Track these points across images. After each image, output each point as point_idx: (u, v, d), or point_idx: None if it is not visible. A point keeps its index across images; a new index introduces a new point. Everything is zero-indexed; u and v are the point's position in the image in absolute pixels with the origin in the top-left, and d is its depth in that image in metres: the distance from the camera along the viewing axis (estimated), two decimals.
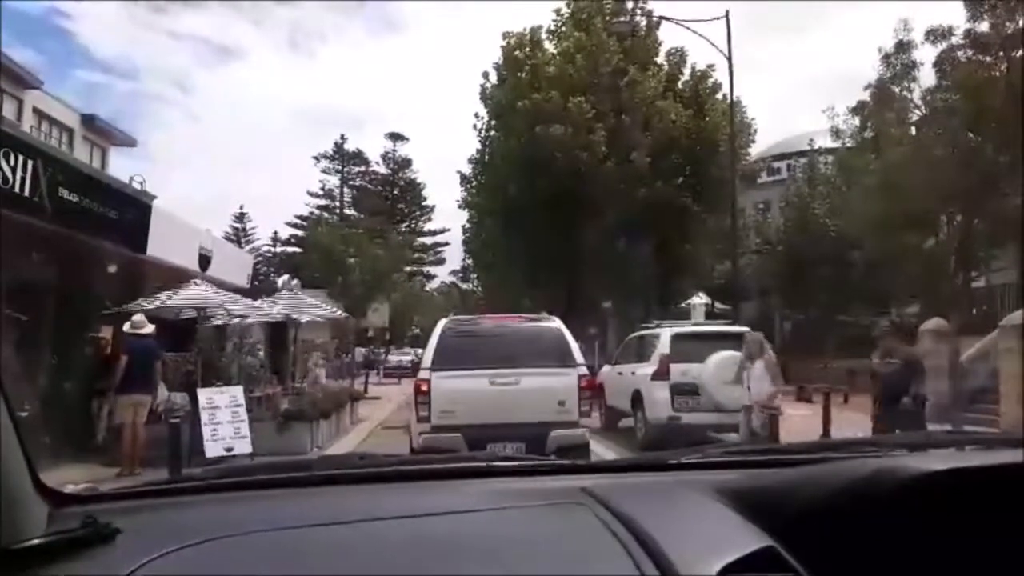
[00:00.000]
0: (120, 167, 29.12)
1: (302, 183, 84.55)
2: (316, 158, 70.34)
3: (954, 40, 14.41)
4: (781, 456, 1.72)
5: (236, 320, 14.56)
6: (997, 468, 1.14)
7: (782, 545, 1.02)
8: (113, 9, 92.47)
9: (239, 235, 64.18)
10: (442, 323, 10.22)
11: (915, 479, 1.05)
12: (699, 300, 27.76)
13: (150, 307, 11.53)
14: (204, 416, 10.35)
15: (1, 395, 1.08)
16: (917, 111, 15.31)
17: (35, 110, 25.87)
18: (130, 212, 11.96)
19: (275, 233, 68.50)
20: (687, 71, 28.23)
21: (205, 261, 15.49)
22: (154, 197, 14.24)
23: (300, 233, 62.69)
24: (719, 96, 27.06)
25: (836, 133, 17.46)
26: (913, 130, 15.39)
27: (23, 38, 75.29)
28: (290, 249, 64.31)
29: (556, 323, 10.23)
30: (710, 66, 27.36)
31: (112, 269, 11.88)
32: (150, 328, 10.79)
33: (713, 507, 1.20)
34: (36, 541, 1.06)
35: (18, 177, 8.49)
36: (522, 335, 9.83)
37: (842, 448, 1.91)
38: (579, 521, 1.20)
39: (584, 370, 9.56)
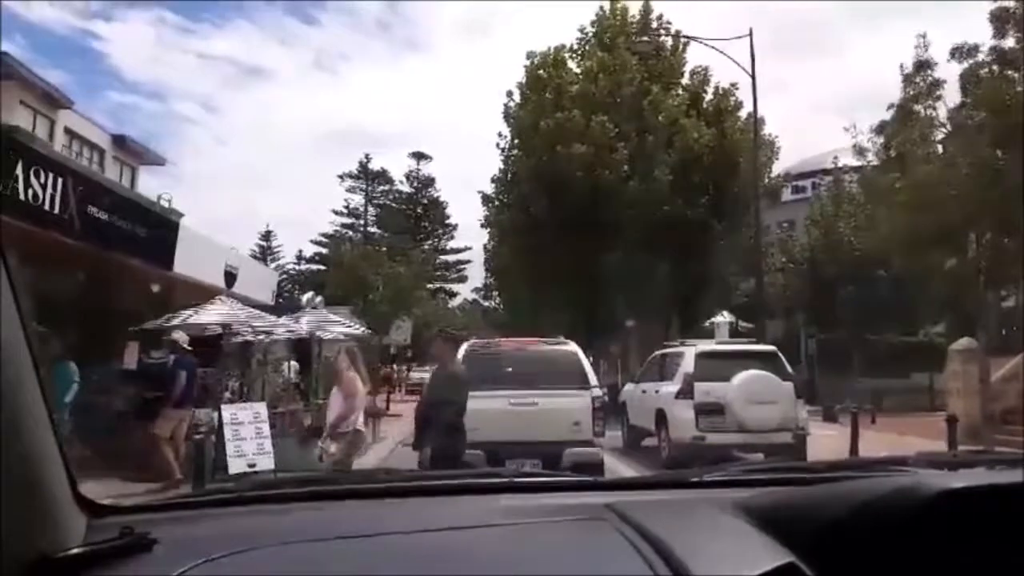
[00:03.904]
0: (149, 186, 29.51)
1: (327, 202, 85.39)
2: (341, 177, 70.95)
3: (980, 57, 14.29)
4: (803, 474, 1.72)
5: (260, 337, 14.66)
6: (1018, 487, 1.13)
7: (804, 562, 1.02)
8: (143, 31, 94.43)
9: (265, 253, 64.92)
10: (464, 346, 10.56)
11: (936, 497, 1.05)
12: (723, 319, 27.56)
13: (176, 324, 11.64)
14: (228, 432, 10.37)
15: (45, 408, 1.11)
16: (943, 129, 15.16)
17: (66, 130, 26.29)
18: (158, 230, 12.13)
19: (300, 251, 69.18)
20: (710, 90, 28.19)
21: (231, 278, 15.67)
22: (181, 215, 14.44)
23: (324, 251, 63.22)
24: (742, 114, 26.99)
25: (859, 152, 17.34)
26: (939, 148, 15.25)
27: (55, 59, 77.24)
28: (314, 267, 64.80)
29: (572, 347, 10.69)
30: (733, 84, 27.33)
31: (140, 286, 12.03)
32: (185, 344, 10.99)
33: (735, 524, 1.21)
34: (76, 550, 1.09)
35: (48, 195, 8.63)
36: (540, 358, 10.33)
37: (864, 466, 1.92)
38: (601, 537, 1.21)
39: (598, 391, 9.93)
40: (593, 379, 10.18)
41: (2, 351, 1.01)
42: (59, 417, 1.20)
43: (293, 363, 18.14)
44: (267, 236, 67.77)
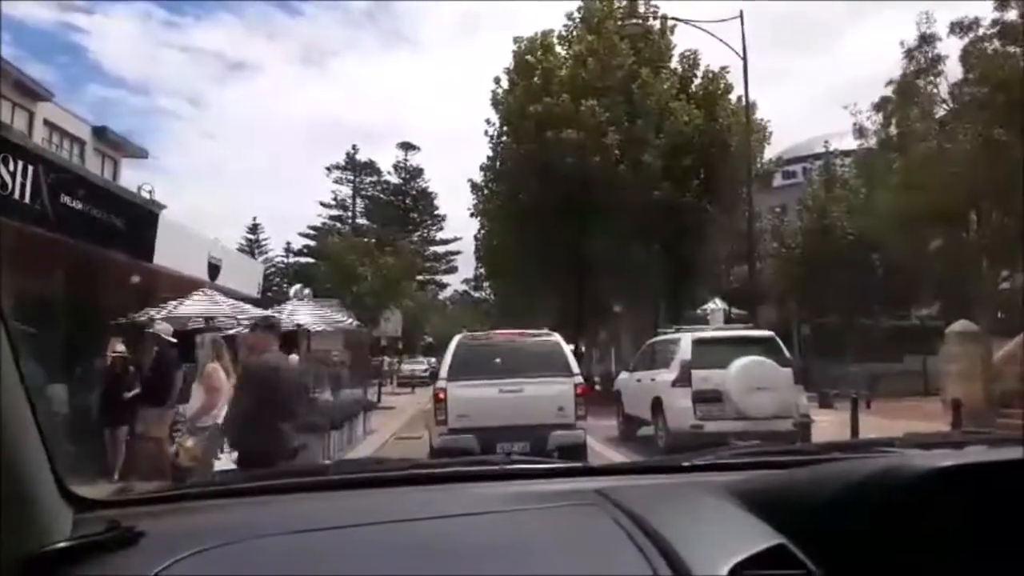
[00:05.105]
0: (134, 180, 29.00)
1: (315, 194, 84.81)
2: (328, 169, 70.53)
3: (981, 31, 14.02)
4: (793, 457, 1.74)
5: (246, 330, 14.31)
6: (1002, 464, 1.15)
7: (793, 543, 1.04)
8: (128, 25, 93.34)
9: (252, 246, 64.26)
10: (456, 339, 11.45)
11: (922, 476, 1.07)
12: (716, 305, 27.37)
13: (158, 317, 11.29)
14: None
15: (28, 404, 1.09)
16: (944, 106, 14.90)
17: (46, 122, 25.83)
18: (136, 221, 11.74)
19: (288, 244, 68.66)
20: (700, 73, 27.90)
21: (214, 270, 15.31)
22: (163, 207, 14.08)
23: (313, 244, 62.74)
24: (732, 97, 26.73)
25: (859, 131, 17.06)
26: (940, 125, 14.99)
27: (38, 53, 76.24)
28: (303, 260, 64.33)
29: (555, 337, 11.50)
30: (724, 68, 27.06)
31: (117, 279, 11.65)
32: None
33: (725, 507, 1.22)
34: (63, 545, 1.09)
35: (18, 183, 8.24)
36: (526, 349, 11.13)
37: (852, 448, 1.97)
38: (593, 522, 1.23)
39: (580, 379, 10.75)
40: (575, 367, 10.87)
41: None
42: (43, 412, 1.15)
43: (293, 356, 17.81)
44: (255, 229, 67.19)
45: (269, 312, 14.98)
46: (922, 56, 14.86)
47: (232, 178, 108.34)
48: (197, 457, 7.12)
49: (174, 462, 7.97)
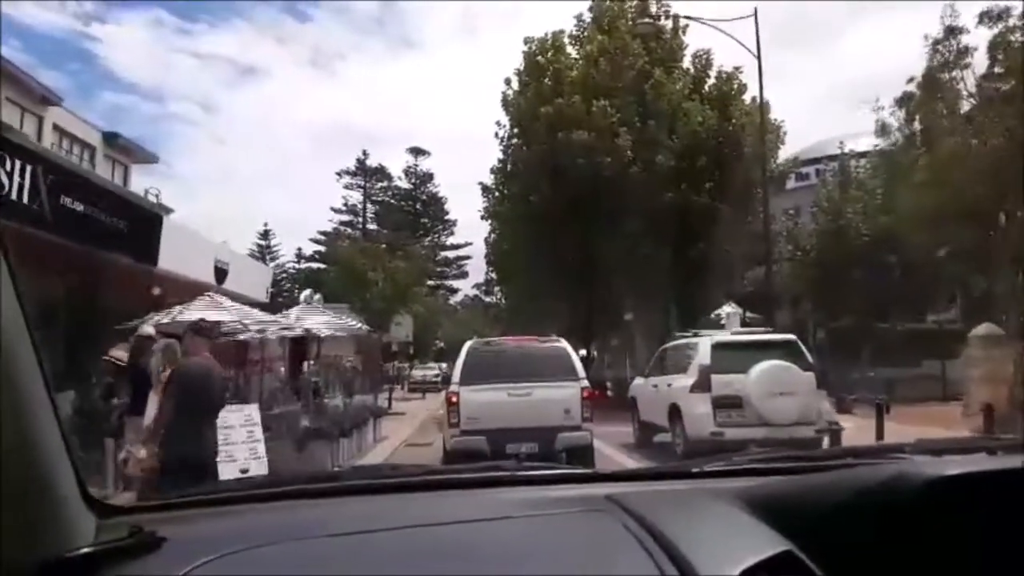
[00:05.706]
0: (145, 185, 28.86)
1: (325, 199, 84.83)
2: (339, 174, 70.64)
3: (1010, 22, 13.62)
4: (804, 463, 1.74)
5: (254, 335, 14.04)
6: (1013, 472, 1.14)
7: (802, 550, 1.04)
8: (139, 31, 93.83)
9: (264, 252, 64.31)
10: (468, 345, 11.88)
11: (932, 483, 1.06)
12: (731, 309, 26.93)
13: (165, 322, 11.01)
14: (218, 436, 9.77)
15: (52, 408, 1.09)
16: (971, 99, 14.48)
17: (56, 127, 25.73)
18: (139, 223, 11.49)
19: (299, 250, 68.70)
20: (713, 73, 27.57)
21: (221, 274, 15.06)
22: (170, 210, 13.86)
23: (323, 249, 62.70)
24: (746, 98, 26.38)
25: (882, 128, 16.65)
26: (966, 120, 14.58)
27: (51, 60, 76.63)
28: (314, 265, 64.32)
29: (562, 343, 11.96)
30: (737, 68, 26.72)
31: (121, 282, 11.39)
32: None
33: (734, 513, 1.23)
34: (85, 550, 1.09)
35: (15, 183, 7.98)
36: (534, 354, 11.59)
37: (862, 454, 1.96)
38: (603, 528, 1.23)
39: (586, 383, 11.15)
40: (581, 371, 11.29)
41: (5, 352, 0.97)
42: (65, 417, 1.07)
43: (308, 363, 17.60)
44: (266, 235, 67.30)
45: (276, 316, 14.78)
46: (947, 50, 14.44)
47: (243, 183, 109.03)
48: (147, 468, 6.76)
49: (123, 472, 7.66)
